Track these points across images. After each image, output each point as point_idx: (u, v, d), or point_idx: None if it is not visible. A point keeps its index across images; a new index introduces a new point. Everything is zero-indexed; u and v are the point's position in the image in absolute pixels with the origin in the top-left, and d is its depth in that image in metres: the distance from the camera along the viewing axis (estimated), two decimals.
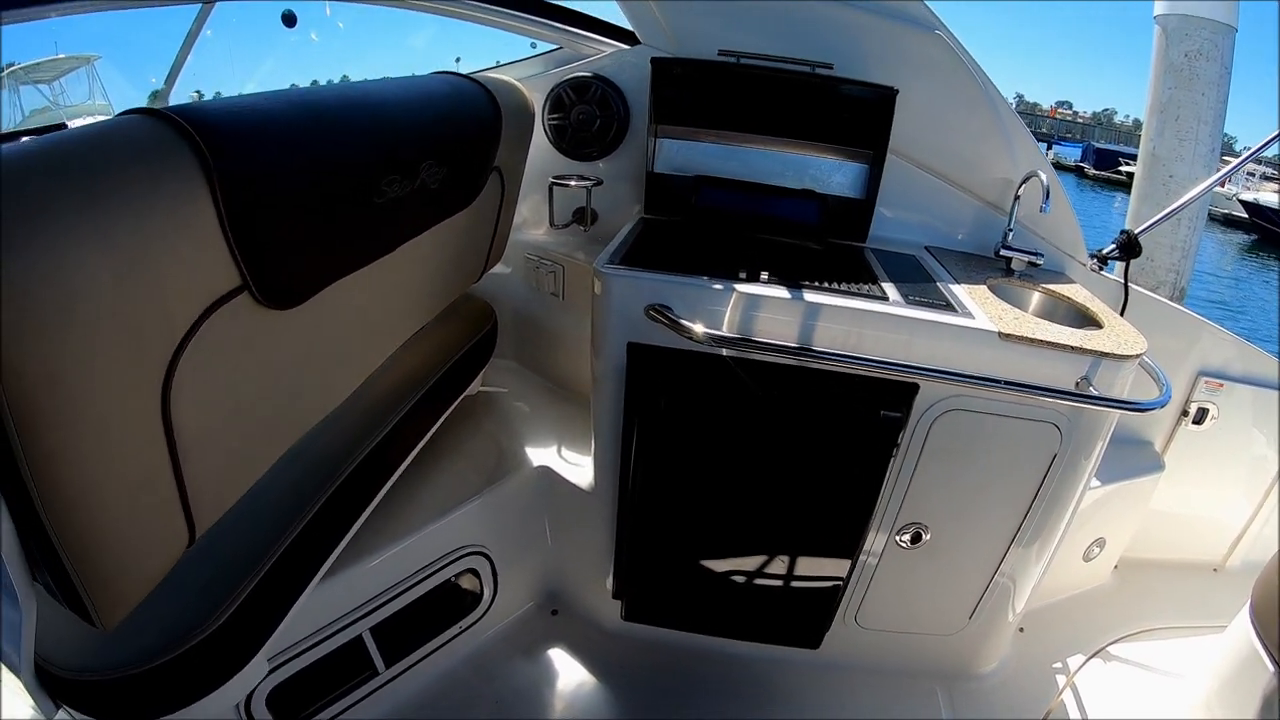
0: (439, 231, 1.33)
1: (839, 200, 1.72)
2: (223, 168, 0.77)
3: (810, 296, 1.33)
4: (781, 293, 1.33)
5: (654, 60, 1.64)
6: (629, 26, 1.78)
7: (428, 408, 1.55)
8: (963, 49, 1.62)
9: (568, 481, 1.69)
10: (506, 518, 1.70)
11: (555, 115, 1.87)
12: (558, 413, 1.98)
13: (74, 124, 2.64)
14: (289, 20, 2.11)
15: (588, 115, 1.83)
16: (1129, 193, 3.00)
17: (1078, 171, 29.30)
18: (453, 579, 1.63)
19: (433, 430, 1.62)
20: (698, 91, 1.68)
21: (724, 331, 1.33)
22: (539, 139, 1.87)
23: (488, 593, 1.70)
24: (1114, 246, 1.86)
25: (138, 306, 0.70)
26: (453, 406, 1.74)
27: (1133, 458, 2.03)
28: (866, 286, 1.41)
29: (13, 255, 0.58)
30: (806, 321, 1.34)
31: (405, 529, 1.51)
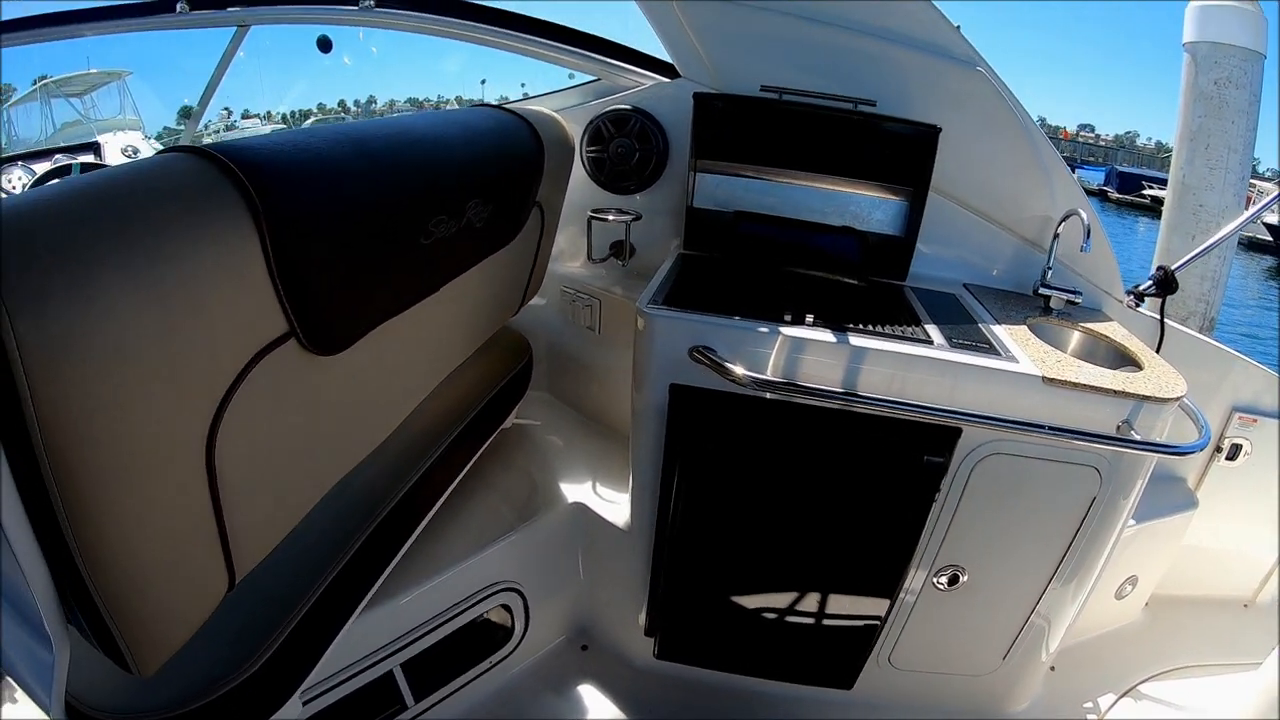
0: (481, 268, 1.32)
1: (879, 237, 1.71)
2: (271, 212, 0.76)
3: (856, 340, 1.32)
4: (827, 336, 1.32)
5: (696, 96, 1.63)
6: (668, 58, 1.77)
7: (464, 443, 1.54)
8: (1003, 85, 1.62)
9: (603, 519, 1.68)
10: (540, 553, 1.69)
11: (593, 148, 1.87)
12: (592, 447, 1.97)
13: (103, 139, 2.67)
14: (324, 45, 2.11)
15: (626, 148, 1.83)
16: (1153, 217, 2.99)
17: (1101, 195, 29.07)
18: (485, 614, 1.62)
19: (469, 465, 1.61)
20: (739, 127, 1.67)
21: (768, 375, 1.32)
22: (576, 171, 1.87)
23: (519, 628, 1.68)
24: (1150, 283, 1.84)
25: (185, 355, 0.69)
26: (489, 441, 1.72)
27: (1165, 495, 2.01)
28: (910, 329, 1.40)
29: (59, 304, 0.57)
30: (851, 365, 1.32)
31: (439, 565, 1.50)
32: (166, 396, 0.68)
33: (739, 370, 1.27)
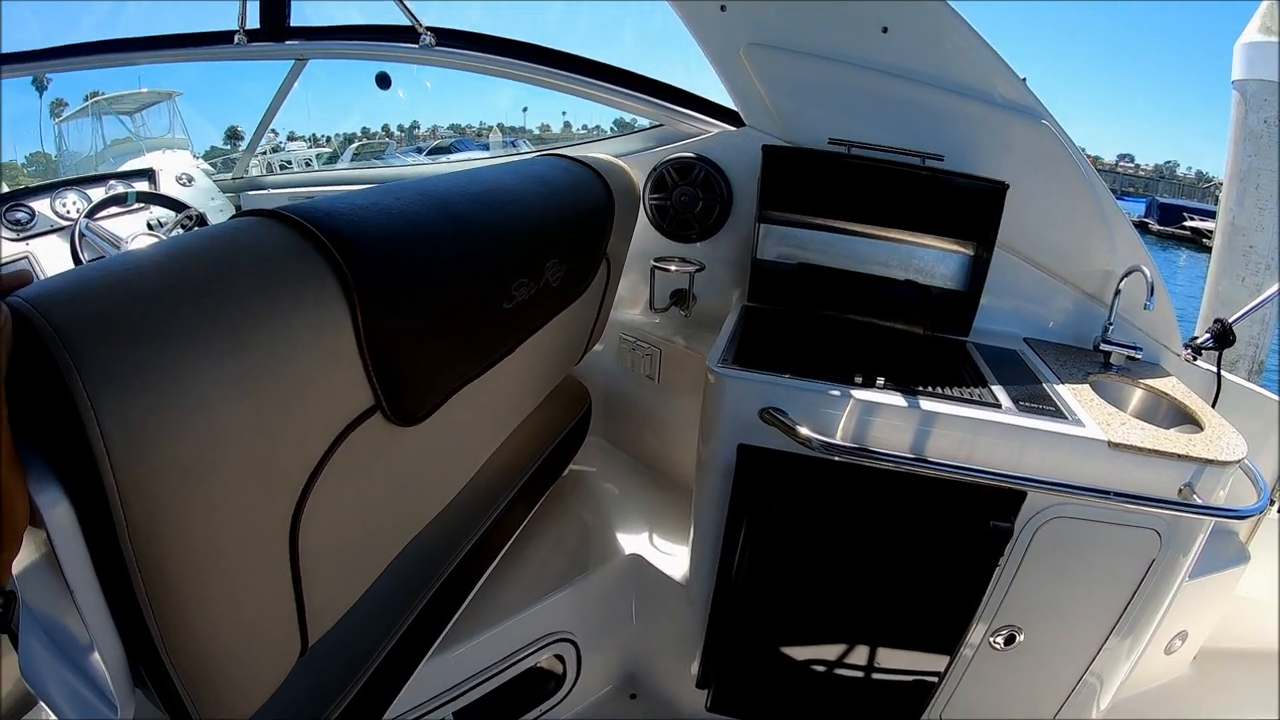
0: (551, 323, 1.32)
1: (942, 292, 1.70)
2: (362, 283, 0.73)
3: (926, 404, 1.31)
4: (898, 400, 1.31)
5: (766, 148, 1.63)
6: (732, 106, 1.77)
7: (525, 495, 1.54)
8: (1067, 137, 1.61)
9: (659, 570, 1.67)
10: (595, 603, 1.68)
11: (657, 195, 1.86)
12: (648, 496, 1.95)
13: (152, 156, 2.70)
14: (383, 82, 2.14)
15: (690, 196, 1.82)
16: (1194, 248, 2.96)
17: (1142, 228, 28.77)
18: (538, 663, 1.61)
19: (529, 517, 1.61)
20: (806, 179, 1.67)
21: (838, 438, 1.32)
22: (639, 217, 1.87)
23: (570, 676, 1.67)
24: (1208, 336, 1.82)
25: (274, 440, 0.66)
26: (549, 491, 1.72)
27: (1218, 548, 1.98)
28: (978, 390, 1.39)
29: (146, 394, 0.54)
30: (921, 429, 1.31)
31: (495, 616, 1.49)
32: (255, 483, 0.66)
33: (810, 434, 1.26)
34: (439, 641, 1.32)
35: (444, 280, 0.89)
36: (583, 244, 1.33)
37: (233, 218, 0.76)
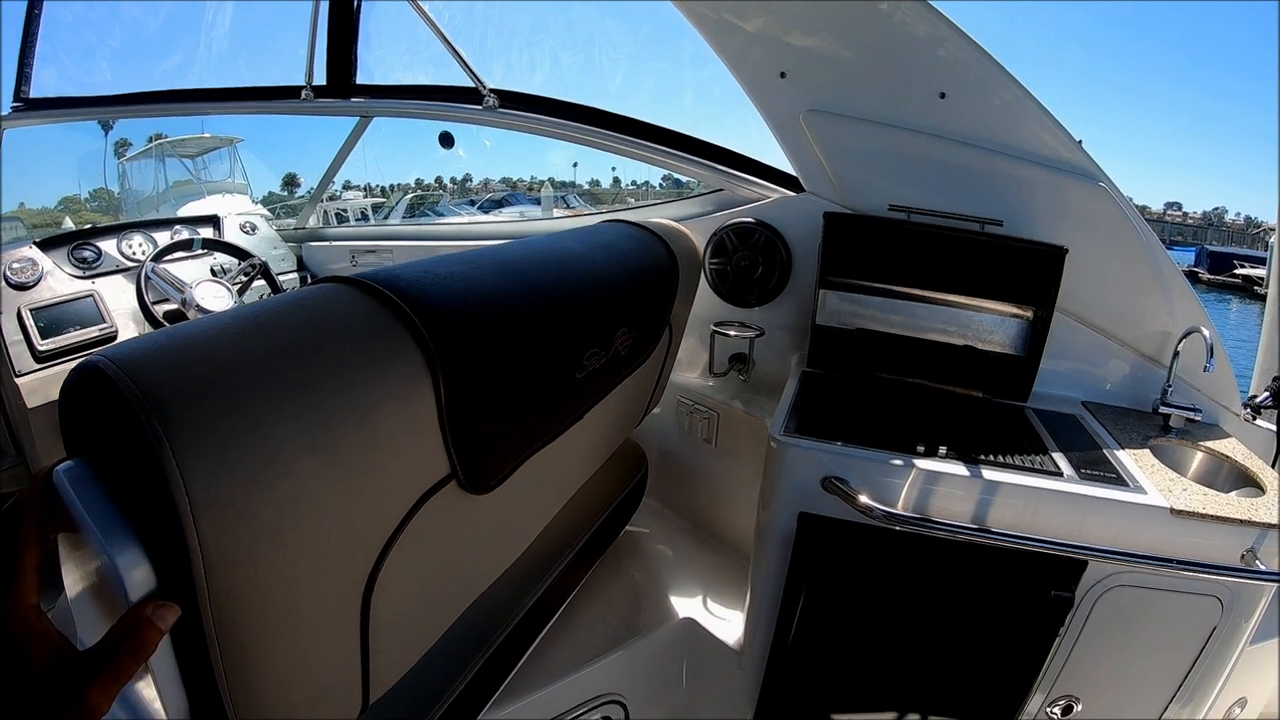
0: (616, 390, 1.33)
1: (1000, 357, 1.69)
2: (446, 357, 0.74)
3: (987, 473, 1.30)
4: (959, 469, 1.31)
5: (827, 215, 1.65)
6: (791, 171, 1.79)
7: (583, 558, 1.54)
8: (1124, 199, 1.61)
9: (713, 635, 1.65)
10: (646, 666, 1.66)
11: (717, 260, 1.88)
12: (702, 559, 1.94)
13: (212, 199, 2.81)
14: (446, 142, 2.20)
15: (750, 262, 1.84)
16: (1244, 297, 2.90)
17: (1192, 277, 28.11)
18: None
19: (584, 579, 1.61)
20: (868, 246, 1.68)
21: (899, 508, 1.32)
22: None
23: None
24: (1268, 394, 1.80)
25: (356, 510, 0.67)
26: (604, 553, 1.72)
27: (1275, 611, 1.95)
28: (1038, 458, 1.39)
29: (236, 467, 0.54)
30: (983, 498, 1.31)
31: (546, 677, 1.48)
32: (335, 549, 0.66)
33: (871, 503, 1.26)
34: (491, 702, 1.31)
35: (521, 352, 0.90)
36: (649, 311, 1.34)
37: (314, 282, 0.77)
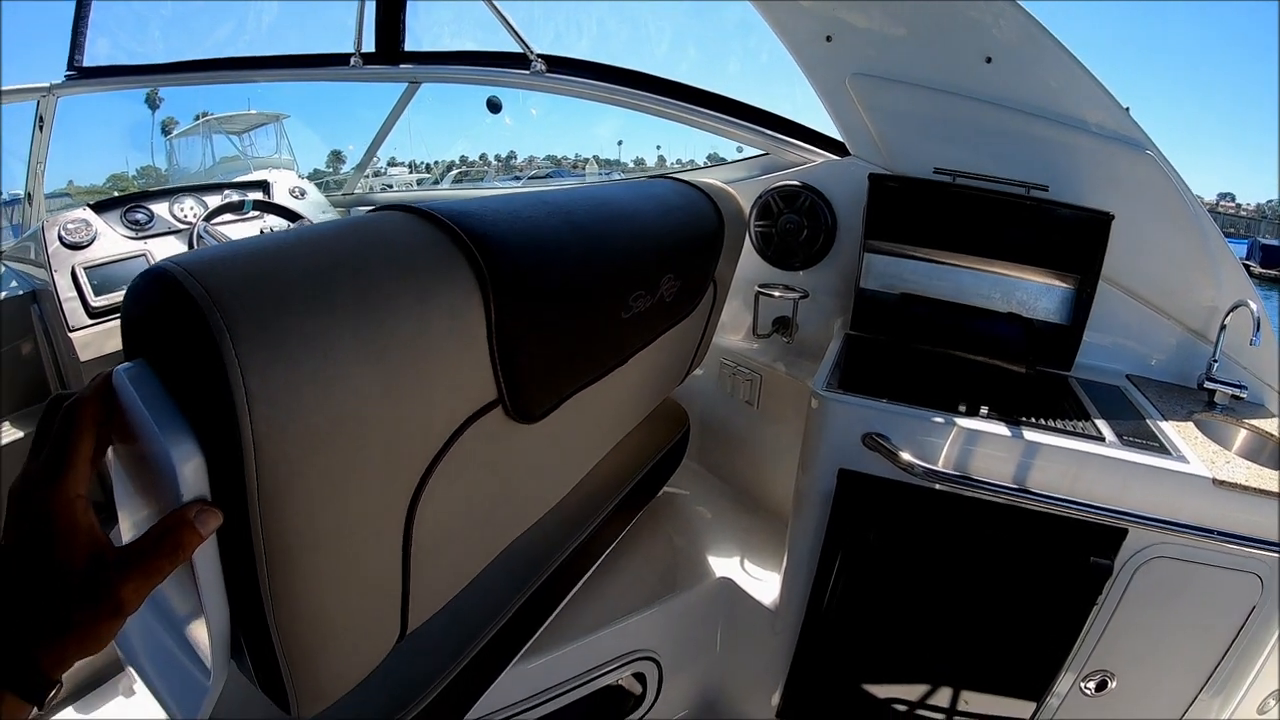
0: (660, 340, 1.34)
1: (1045, 325, 1.68)
2: (497, 281, 0.75)
3: (1029, 435, 1.29)
4: (1001, 429, 1.31)
5: (872, 177, 1.64)
6: (836, 135, 1.79)
7: (621, 511, 1.55)
8: (1172, 168, 1.58)
9: (749, 595, 1.66)
10: (681, 624, 1.67)
11: (762, 222, 1.89)
12: (741, 522, 1.95)
13: (259, 174, 2.85)
14: (494, 107, 2.23)
15: (795, 224, 1.84)
16: None
17: (1244, 270, 27.35)
18: (618, 680, 1.62)
19: (623, 533, 1.62)
20: (911, 209, 1.67)
21: (940, 466, 1.32)
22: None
23: (650, 696, 1.67)
24: None
25: (404, 420, 0.68)
26: (643, 510, 1.72)
27: None
28: (1081, 424, 1.38)
29: (294, 362, 0.55)
30: (1024, 460, 1.31)
31: (581, 629, 1.50)
32: (382, 462, 0.67)
33: (912, 459, 1.27)
34: (526, 648, 1.33)
35: (570, 285, 0.91)
36: (694, 263, 1.35)
37: (371, 211, 0.79)
